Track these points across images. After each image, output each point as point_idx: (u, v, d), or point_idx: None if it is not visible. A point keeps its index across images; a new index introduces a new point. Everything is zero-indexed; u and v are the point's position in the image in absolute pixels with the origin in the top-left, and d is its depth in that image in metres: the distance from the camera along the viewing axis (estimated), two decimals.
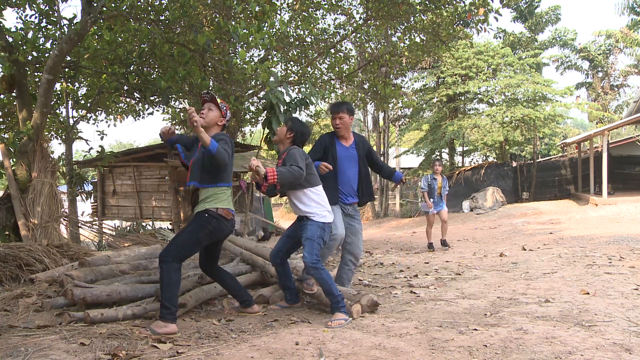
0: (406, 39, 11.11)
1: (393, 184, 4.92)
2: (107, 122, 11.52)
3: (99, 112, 10.97)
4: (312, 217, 3.67)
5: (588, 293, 4.17)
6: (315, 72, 11.54)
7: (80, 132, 10.81)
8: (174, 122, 11.95)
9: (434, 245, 8.58)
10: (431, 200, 8.43)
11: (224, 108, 3.57)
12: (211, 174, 3.39)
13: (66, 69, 8.07)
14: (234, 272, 4.50)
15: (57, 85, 8.72)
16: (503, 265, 6.07)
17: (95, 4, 6.00)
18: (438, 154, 21.81)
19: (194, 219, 3.41)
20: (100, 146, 9.23)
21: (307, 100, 6.14)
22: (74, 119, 10.48)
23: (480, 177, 18.40)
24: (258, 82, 8.64)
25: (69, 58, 7.44)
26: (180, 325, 3.36)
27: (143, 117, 12.00)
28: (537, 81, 18.32)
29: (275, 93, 5.76)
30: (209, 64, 8.15)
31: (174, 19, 6.63)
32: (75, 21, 6.86)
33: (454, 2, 9.45)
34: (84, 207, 13.71)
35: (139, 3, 6.66)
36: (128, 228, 11.80)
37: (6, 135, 7.75)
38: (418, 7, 9.37)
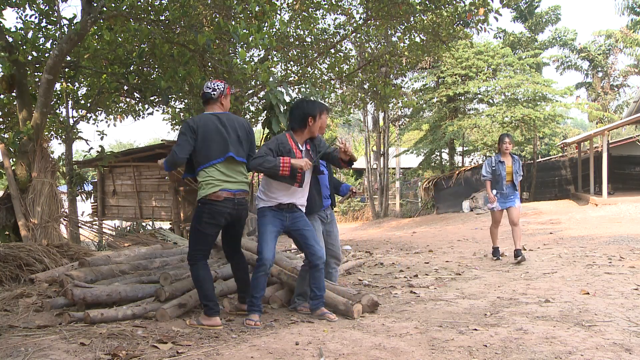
0: (406, 39, 11.11)
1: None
2: (107, 122, 11.54)
3: (99, 112, 10.97)
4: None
5: (588, 293, 4.17)
6: (315, 72, 11.53)
7: (80, 132, 10.84)
8: (173, 122, 11.94)
9: (500, 251, 6.62)
10: (494, 192, 6.25)
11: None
12: (189, 165, 3.54)
13: (66, 69, 8.07)
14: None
15: (57, 85, 8.72)
16: (503, 265, 6.07)
17: (95, 4, 6.00)
18: (438, 154, 21.80)
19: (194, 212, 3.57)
20: (100, 146, 9.24)
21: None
22: (74, 119, 10.49)
23: (480, 177, 18.39)
24: (258, 82, 8.63)
25: (69, 58, 7.44)
26: (180, 325, 3.37)
27: (143, 117, 12.02)
28: (537, 81, 18.32)
29: (275, 93, 5.76)
30: (209, 64, 8.15)
31: (174, 19, 6.63)
32: (75, 21, 6.87)
33: (454, 2, 9.46)
34: (84, 207, 13.71)
35: (139, 3, 6.66)
36: (128, 228, 11.80)
37: (6, 135, 7.75)
38: (418, 7, 9.37)
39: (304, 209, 3.73)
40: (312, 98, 6.03)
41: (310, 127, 3.64)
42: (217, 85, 3.59)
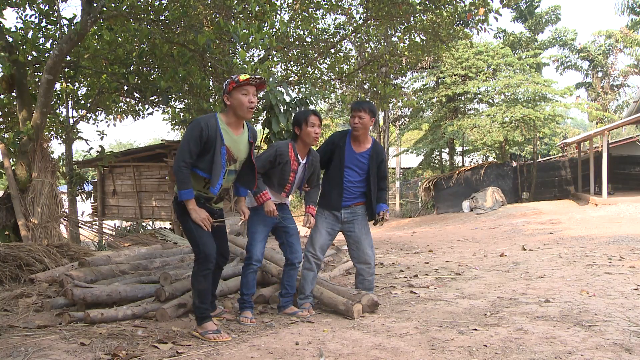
0: (406, 39, 11.12)
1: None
2: (107, 122, 11.54)
3: (99, 112, 10.98)
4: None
5: (588, 293, 4.16)
6: (315, 72, 11.54)
7: (80, 132, 10.82)
8: (173, 122, 11.94)
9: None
10: None
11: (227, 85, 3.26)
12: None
13: (66, 69, 8.07)
14: (234, 272, 4.50)
15: (57, 85, 8.72)
16: (503, 265, 6.07)
17: (95, 4, 6.00)
18: (438, 153, 21.79)
19: None
20: (100, 146, 9.24)
21: (307, 100, 6.15)
22: (74, 119, 10.49)
23: (480, 177, 18.38)
24: None
25: (69, 58, 7.44)
26: (180, 325, 3.37)
27: (143, 117, 12.02)
28: (537, 81, 18.31)
29: (275, 93, 5.77)
30: (209, 64, 8.15)
31: (174, 19, 6.64)
32: (75, 21, 6.87)
33: (454, 2, 9.47)
34: (84, 207, 13.71)
35: (139, 3, 6.66)
36: (128, 228, 11.80)
37: (6, 135, 7.75)
38: (418, 7, 9.38)
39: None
40: (312, 98, 6.04)
41: (300, 136, 3.70)
42: (224, 84, 3.25)
